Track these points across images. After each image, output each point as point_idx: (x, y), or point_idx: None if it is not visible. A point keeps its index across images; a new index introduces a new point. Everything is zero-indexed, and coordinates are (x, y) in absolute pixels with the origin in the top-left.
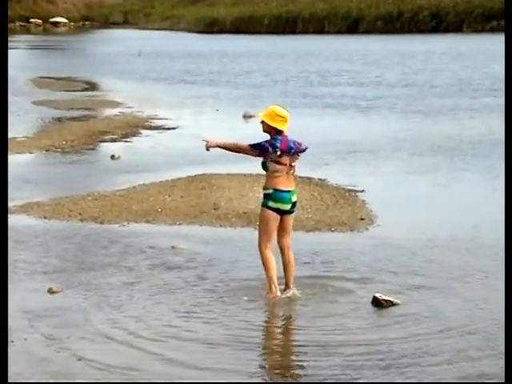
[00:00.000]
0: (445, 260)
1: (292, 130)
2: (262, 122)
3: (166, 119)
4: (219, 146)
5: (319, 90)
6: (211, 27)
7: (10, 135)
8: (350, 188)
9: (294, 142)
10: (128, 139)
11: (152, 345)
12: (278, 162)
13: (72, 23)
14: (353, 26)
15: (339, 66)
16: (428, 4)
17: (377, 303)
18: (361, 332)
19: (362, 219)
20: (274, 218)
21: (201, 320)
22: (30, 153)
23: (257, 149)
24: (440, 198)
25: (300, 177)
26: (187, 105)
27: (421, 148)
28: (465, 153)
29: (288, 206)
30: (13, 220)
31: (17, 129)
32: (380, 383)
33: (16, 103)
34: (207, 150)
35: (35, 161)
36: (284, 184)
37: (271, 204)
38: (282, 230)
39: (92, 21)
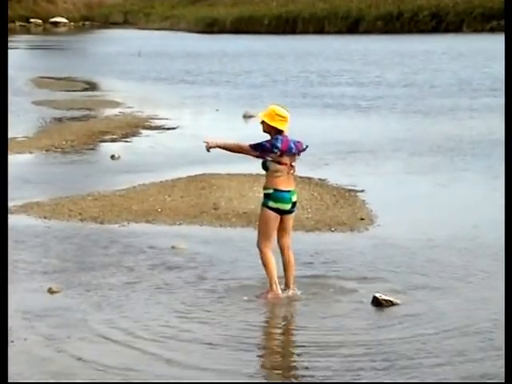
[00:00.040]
0: (445, 260)
1: (292, 130)
2: (262, 121)
3: (166, 119)
4: (219, 147)
5: (319, 90)
6: (211, 27)
7: (10, 135)
8: (349, 188)
9: (295, 142)
10: (128, 139)
11: (151, 345)
12: (279, 162)
13: (72, 23)
14: (353, 26)
15: (339, 66)
16: (428, 4)
17: (377, 303)
18: (361, 332)
19: (362, 219)
20: (274, 217)
21: (200, 320)
22: (30, 153)
23: (257, 149)
24: (440, 198)
25: (300, 177)
26: (187, 105)
27: (421, 148)
28: (465, 153)
29: (288, 206)
30: (13, 220)
31: (17, 129)
32: (381, 383)
33: (16, 103)
34: (208, 150)
35: (35, 161)
36: (284, 184)
37: (271, 204)
38: (281, 230)
39: (92, 21)
